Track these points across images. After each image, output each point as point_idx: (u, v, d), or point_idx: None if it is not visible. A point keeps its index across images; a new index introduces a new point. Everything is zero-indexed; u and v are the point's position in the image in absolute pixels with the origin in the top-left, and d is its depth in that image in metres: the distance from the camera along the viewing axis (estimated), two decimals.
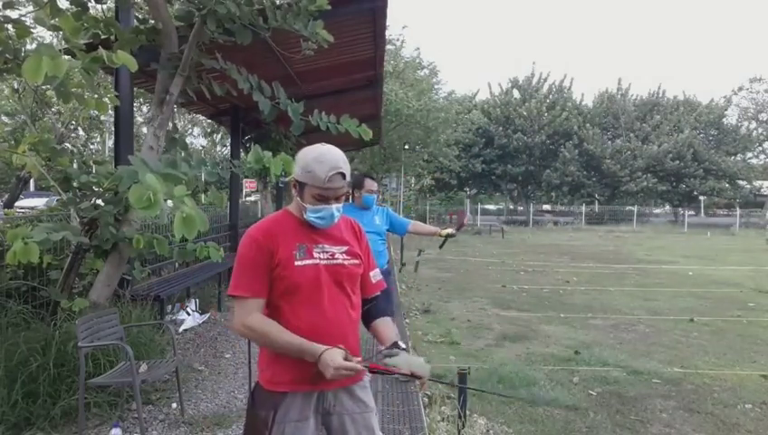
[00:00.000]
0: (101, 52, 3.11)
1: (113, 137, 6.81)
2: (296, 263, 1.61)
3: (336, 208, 1.64)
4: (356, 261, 1.72)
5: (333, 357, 1.49)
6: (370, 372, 1.59)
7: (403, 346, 1.65)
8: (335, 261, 1.67)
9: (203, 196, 8.39)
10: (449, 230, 4.33)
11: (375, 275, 1.82)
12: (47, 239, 3.14)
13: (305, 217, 1.65)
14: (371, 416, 1.73)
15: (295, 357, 1.57)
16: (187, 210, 2.74)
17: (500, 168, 33.50)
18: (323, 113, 4.49)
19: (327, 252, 1.67)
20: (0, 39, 3.26)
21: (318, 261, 1.65)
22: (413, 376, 1.55)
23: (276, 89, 4.32)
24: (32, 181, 19.03)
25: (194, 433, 3.37)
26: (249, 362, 1.82)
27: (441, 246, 4.71)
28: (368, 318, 1.78)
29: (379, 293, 1.83)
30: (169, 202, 2.93)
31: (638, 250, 17.53)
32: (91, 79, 3.28)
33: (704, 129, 34.23)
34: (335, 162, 1.58)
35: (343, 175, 1.60)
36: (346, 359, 1.50)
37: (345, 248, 1.71)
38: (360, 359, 1.59)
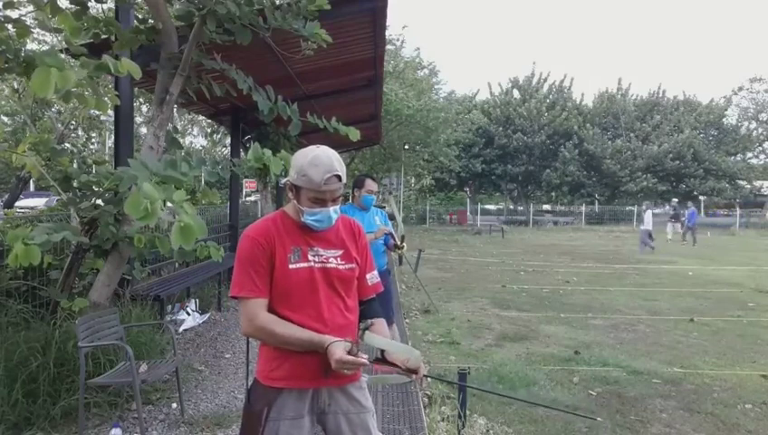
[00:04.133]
0: (106, 59, 3.10)
1: (113, 137, 6.81)
2: (290, 266, 1.62)
3: (333, 210, 1.65)
4: (351, 265, 1.72)
5: (335, 350, 1.51)
6: (375, 366, 1.61)
7: (370, 322, 1.65)
8: (328, 265, 1.67)
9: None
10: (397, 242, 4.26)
11: (371, 278, 1.82)
12: (48, 241, 3.13)
13: (303, 219, 1.65)
14: (368, 416, 1.73)
15: (306, 351, 1.57)
16: (185, 219, 2.73)
17: (500, 168, 33.48)
18: (316, 114, 4.51)
19: (321, 256, 1.67)
20: (0, 39, 3.26)
21: (312, 264, 1.65)
22: (409, 370, 1.56)
23: (270, 92, 4.32)
24: (32, 181, 19.01)
25: (194, 433, 3.37)
26: (247, 362, 1.82)
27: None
28: (361, 320, 1.78)
29: (374, 295, 1.82)
30: (169, 204, 2.92)
31: (638, 250, 17.52)
32: (94, 82, 3.28)
33: (704, 129, 34.21)
34: (330, 165, 1.58)
35: (339, 177, 1.60)
36: (350, 352, 1.51)
37: (340, 252, 1.71)
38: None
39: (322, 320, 1.62)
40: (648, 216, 16.85)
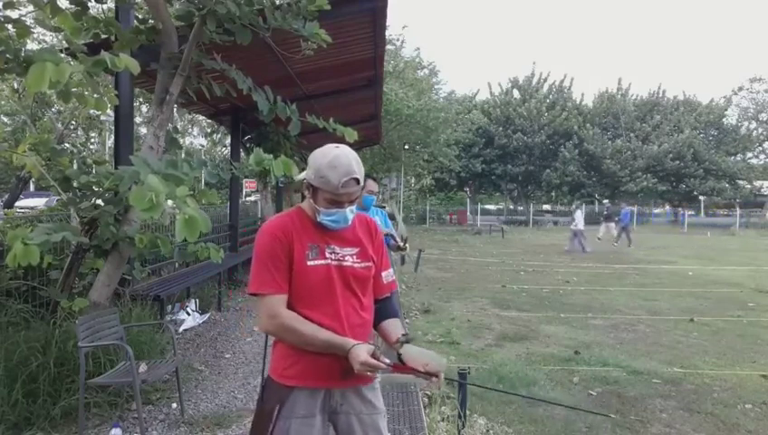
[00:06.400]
0: (104, 55, 3.10)
1: (113, 137, 6.81)
2: (308, 263, 1.61)
3: (350, 210, 1.63)
4: (367, 263, 1.71)
5: (359, 353, 1.50)
6: (394, 370, 1.59)
7: (411, 337, 1.65)
8: (345, 263, 1.66)
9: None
10: (400, 244, 4.28)
11: (387, 276, 1.80)
12: (47, 241, 3.13)
13: (318, 219, 1.64)
14: (379, 417, 1.72)
15: (324, 352, 1.57)
16: (189, 212, 2.73)
17: (500, 168, 33.51)
18: (316, 114, 4.52)
19: (337, 254, 1.66)
20: (0, 39, 3.26)
21: (329, 262, 1.64)
22: (428, 374, 1.54)
23: (268, 93, 4.32)
24: (32, 181, 19.01)
25: (194, 433, 3.37)
26: (264, 358, 1.82)
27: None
28: (376, 318, 1.77)
29: (389, 293, 1.81)
30: (170, 202, 2.92)
31: (638, 250, 17.52)
32: (93, 81, 3.28)
33: (704, 129, 34.24)
34: (349, 168, 1.56)
35: (357, 180, 1.58)
36: (373, 356, 1.50)
37: (356, 250, 1.70)
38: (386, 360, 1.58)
39: (339, 318, 1.61)
40: (578, 215, 16.81)
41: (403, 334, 1.68)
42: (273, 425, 1.58)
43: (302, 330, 1.56)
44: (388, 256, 4.63)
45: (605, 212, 21.97)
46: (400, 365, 1.58)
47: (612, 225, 20.39)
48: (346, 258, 1.67)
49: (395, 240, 4.22)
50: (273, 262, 1.59)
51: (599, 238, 19.86)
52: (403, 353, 1.57)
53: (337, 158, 1.56)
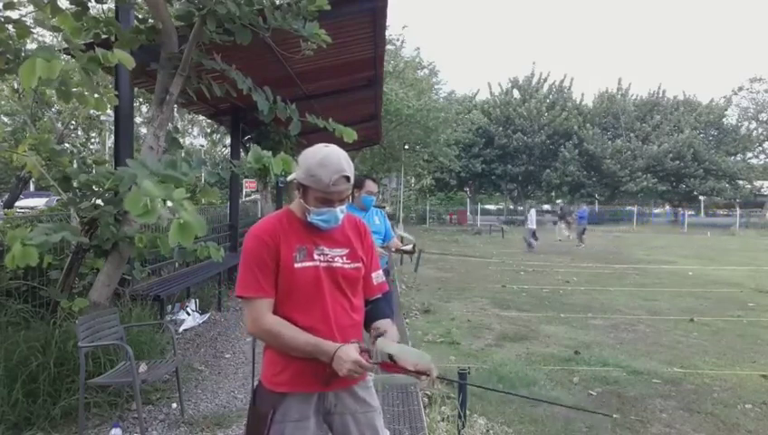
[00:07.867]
0: (98, 51, 3.10)
1: (113, 137, 6.81)
2: (296, 265, 1.60)
3: (340, 210, 1.63)
4: (356, 264, 1.70)
5: (348, 352, 1.49)
6: (382, 369, 1.58)
7: (382, 330, 1.67)
8: (334, 264, 1.66)
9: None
10: (405, 247, 4.34)
11: (377, 277, 1.80)
12: (46, 242, 3.13)
13: (309, 219, 1.63)
14: (375, 415, 1.72)
15: (309, 357, 1.56)
16: (185, 216, 2.71)
17: (500, 168, 33.50)
18: (316, 114, 4.52)
19: (326, 255, 1.65)
20: (0, 39, 3.26)
21: (318, 263, 1.63)
22: (419, 373, 1.53)
23: (268, 93, 4.33)
24: (32, 181, 19.01)
25: (194, 433, 3.37)
26: (253, 361, 1.81)
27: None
28: (367, 320, 1.77)
29: (380, 295, 1.80)
30: (169, 203, 2.91)
31: (638, 250, 17.53)
32: (91, 79, 3.28)
33: (704, 129, 34.24)
34: (339, 166, 1.56)
35: (347, 178, 1.58)
36: (362, 353, 1.50)
37: (346, 251, 1.69)
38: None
39: (327, 320, 1.60)
40: (532, 215, 17.06)
41: (372, 330, 1.69)
42: (268, 429, 1.58)
43: (286, 335, 1.56)
44: (388, 255, 4.66)
45: (559, 212, 22.01)
46: (389, 364, 1.57)
47: (563, 224, 20.41)
48: (335, 259, 1.66)
49: (400, 249, 4.28)
50: (259, 266, 1.59)
51: (559, 239, 19.95)
52: (395, 354, 1.57)
53: (327, 156, 1.56)
